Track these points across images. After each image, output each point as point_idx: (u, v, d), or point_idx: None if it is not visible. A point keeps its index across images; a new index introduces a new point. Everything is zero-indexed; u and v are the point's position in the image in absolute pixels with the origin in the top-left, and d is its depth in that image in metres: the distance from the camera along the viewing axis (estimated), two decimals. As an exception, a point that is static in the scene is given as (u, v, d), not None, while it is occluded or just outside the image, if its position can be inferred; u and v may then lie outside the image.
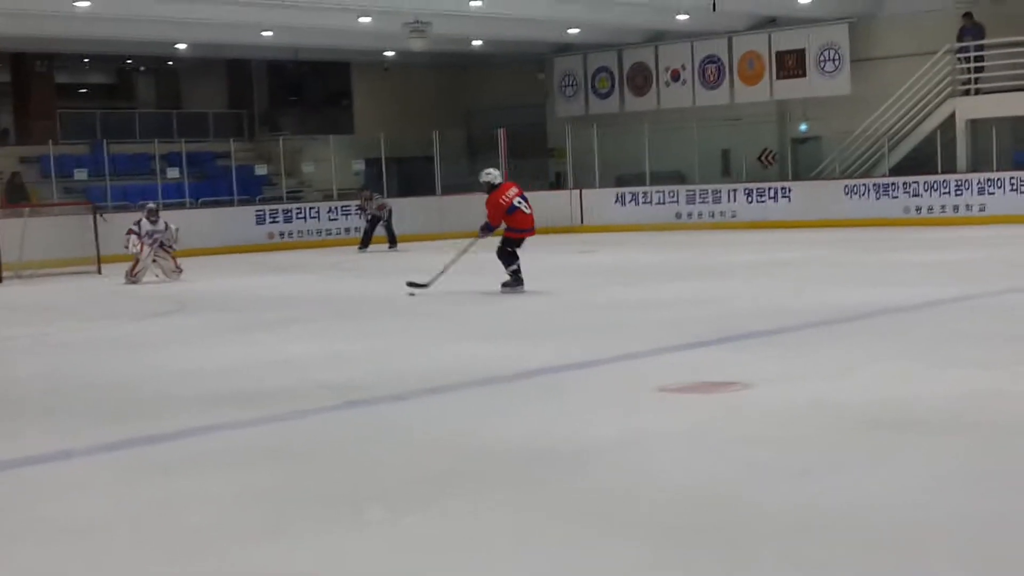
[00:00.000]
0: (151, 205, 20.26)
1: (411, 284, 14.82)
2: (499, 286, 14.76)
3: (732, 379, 8.19)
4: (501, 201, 14.82)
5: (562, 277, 17.15)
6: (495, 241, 15.14)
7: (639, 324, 11.54)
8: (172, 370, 9.93)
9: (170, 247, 19.44)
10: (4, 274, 21.04)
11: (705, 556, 4.67)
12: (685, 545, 4.81)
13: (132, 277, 19.09)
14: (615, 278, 16.80)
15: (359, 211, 26.33)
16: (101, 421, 7.89)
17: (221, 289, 17.85)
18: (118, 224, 20.89)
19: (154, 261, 19.26)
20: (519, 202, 14.86)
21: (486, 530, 5.12)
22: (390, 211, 25.37)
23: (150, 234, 19.24)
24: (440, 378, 8.83)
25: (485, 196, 15.02)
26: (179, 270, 19.42)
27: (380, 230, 25.26)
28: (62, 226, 22.37)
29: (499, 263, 14.88)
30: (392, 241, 25.19)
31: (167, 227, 19.45)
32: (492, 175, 15.08)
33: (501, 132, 29.87)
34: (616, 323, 11.75)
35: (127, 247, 19.27)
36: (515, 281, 14.75)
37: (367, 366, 9.65)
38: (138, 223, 19.43)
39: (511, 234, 14.91)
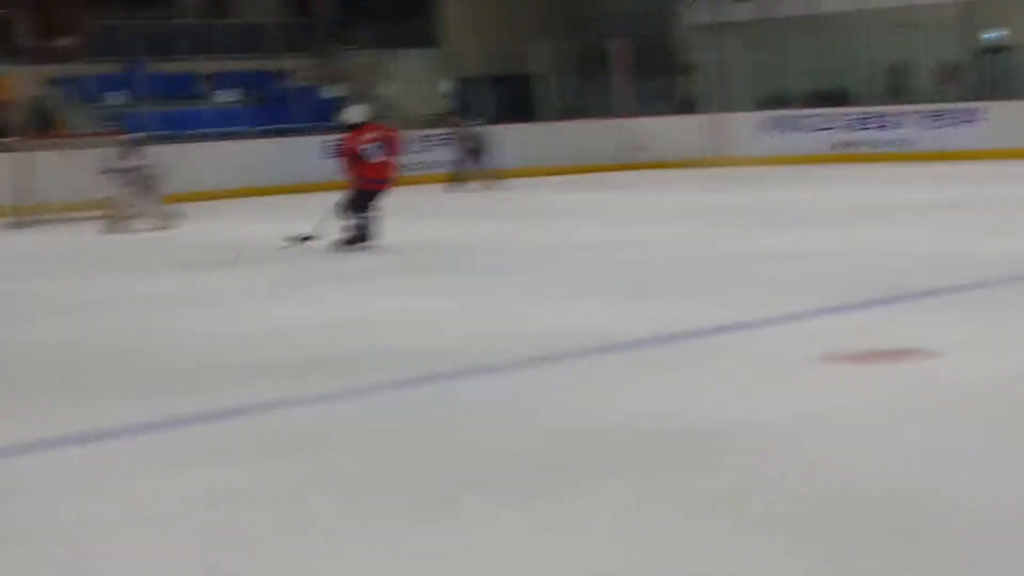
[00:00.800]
0: (129, 137, 20.05)
1: (300, 238, 15.10)
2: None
3: (912, 346, 8.01)
4: (344, 149, 15.14)
5: (693, 221, 17.02)
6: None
7: (790, 279, 11.36)
8: (215, 334, 10.00)
9: (155, 187, 19.12)
10: (26, 218, 21.29)
11: (872, 567, 4.52)
12: (846, 553, 4.65)
13: (115, 226, 18.99)
14: (758, 222, 16.62)
15: (448, 141, 26.31)
16: (129, 396, 7.90)
17: (282, 235, 17.92)
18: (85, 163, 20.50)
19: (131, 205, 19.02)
20: (368, 148, 14.97)
21: (598, 528, 5.04)
22: (486, 141, 25.35)
23: (126, 172, 19.08)
24: (545, 344, 8.74)
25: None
26: (170, 217, 19.10)
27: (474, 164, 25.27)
28: (93, 161, 22.52)
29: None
30: (488, 177, 25.16)
31: (148, 163, 19.20)
32: (348, 114, 15.42)
33: (619, 44, 29.68)
34: (762, 277, 11.58)
35: (103, 192, 18.98)
36: (348, 241, 14.90)
37: (453, 329, 9.60)
38: (115, 160, 19.28)
39: (362, 185, 15.05)
